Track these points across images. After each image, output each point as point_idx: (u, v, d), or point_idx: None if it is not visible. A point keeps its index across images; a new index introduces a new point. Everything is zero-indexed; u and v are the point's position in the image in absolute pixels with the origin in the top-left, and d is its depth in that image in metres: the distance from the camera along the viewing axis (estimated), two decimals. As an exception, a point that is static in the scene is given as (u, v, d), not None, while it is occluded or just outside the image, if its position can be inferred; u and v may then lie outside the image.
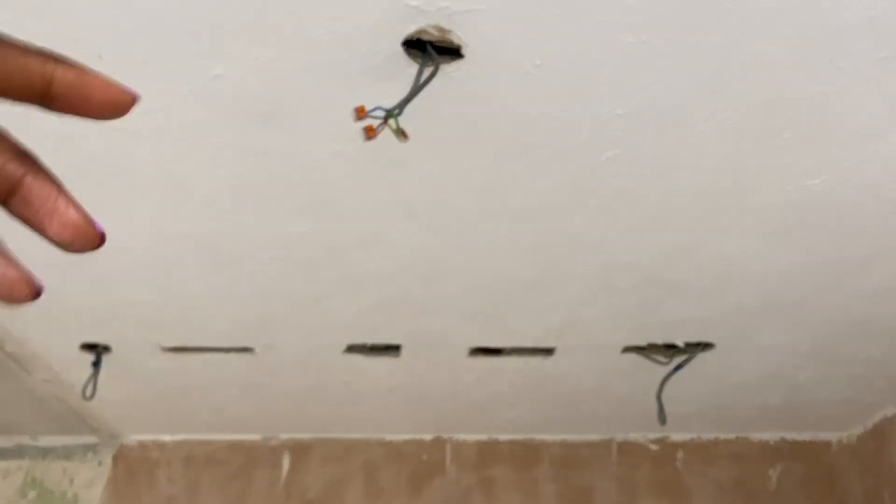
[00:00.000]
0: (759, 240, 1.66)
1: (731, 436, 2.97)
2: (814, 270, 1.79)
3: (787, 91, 1.22)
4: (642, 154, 1.36)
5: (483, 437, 2.91)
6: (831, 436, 2.97)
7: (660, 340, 2.17)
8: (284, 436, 2.87)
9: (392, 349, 2.20)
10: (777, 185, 1.47)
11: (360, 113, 1.07)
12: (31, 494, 2.77)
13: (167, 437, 2.87)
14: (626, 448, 2.94)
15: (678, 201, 1.51)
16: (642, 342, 2.18)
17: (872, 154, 1.39)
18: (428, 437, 2.89)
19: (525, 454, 2.89)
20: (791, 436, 2.98)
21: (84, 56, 1.11)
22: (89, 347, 2.14)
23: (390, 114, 1.07)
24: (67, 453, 2.85)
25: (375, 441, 2.89)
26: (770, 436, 2.97)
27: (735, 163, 1.39)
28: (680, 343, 2.19)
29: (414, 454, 2.88)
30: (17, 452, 2.84)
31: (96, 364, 2.18)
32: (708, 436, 2.97)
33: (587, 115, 1.26)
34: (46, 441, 2.86)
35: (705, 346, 2.19)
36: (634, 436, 2.95)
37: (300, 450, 2.86)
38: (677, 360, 2.25)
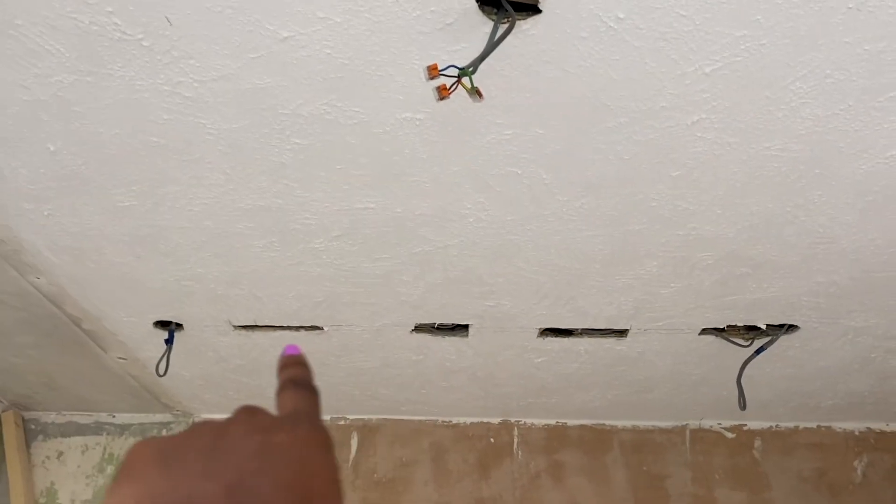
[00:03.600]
0: (855, 213, 1.54)
1: (813, 424, 2.83)
2: (913, 246, 1.67)
3: (897, 43, 1.12)
4: (730, 118, 1.27)
5: (551, 421, 2.85)
6: (924, 426, 2.81)
7: (740, 322, 2.07)
8: (352, 416, 2.88)
9: (461, 329, 2.16)
10: (878, 151, 1.36)
11: (433, 71, 1.02)
12: (110, 469, 2.86)
13: (237, 416, 2.90)
14: (701, 435, 2.84)
15: (767, 170, 1.41)
16: (721, 324, 2.08)
17: None
18: (496, 420, 2.85)
19: (595, 439, 2.82)
20: (878, 426, 2.82)
21: (153, 19, 1.09)
22: (162, 325, 2.17)
23: (464, 71, 1.02)
24: (143, 430, 2.92)
25: (443, 423, 2.86)
26: (855, 425, 2.82)
27: (832, 127, 1.29)
28: (762, 325, 2.08)
29: (482, 437, 2.84)
30: (96, 429, 2.94)
31: (169, 341, 2.20)
32: (788, 424, 2.84)
33: (672, 75, 1.18)
34: (123, 418, 2.94)
35: (789, 328, 2.08)
36: (709, 422, 2.84)
37: (368, 430, 2.86)
38: (758, 342, 2.15)
